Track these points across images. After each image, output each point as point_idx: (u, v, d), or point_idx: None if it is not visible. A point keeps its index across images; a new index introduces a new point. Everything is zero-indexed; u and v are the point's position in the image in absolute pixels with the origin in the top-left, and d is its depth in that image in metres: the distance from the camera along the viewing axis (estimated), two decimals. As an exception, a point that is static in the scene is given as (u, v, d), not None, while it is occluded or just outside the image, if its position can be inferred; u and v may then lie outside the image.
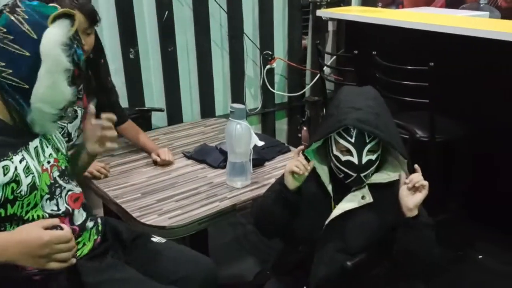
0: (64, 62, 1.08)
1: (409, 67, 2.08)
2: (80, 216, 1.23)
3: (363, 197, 1.29)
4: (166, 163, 1.80)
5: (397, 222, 1.29)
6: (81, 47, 1.14)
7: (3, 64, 1.06)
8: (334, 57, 3.04)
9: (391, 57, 2.18)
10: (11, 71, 1.06)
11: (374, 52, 2.24)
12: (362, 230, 1.30)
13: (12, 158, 1.08)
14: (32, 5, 1.09)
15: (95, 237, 1.28)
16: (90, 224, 1.26)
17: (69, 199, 1.21)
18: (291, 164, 1.29)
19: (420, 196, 1.23)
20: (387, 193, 1.30)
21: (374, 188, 1.30)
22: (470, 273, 2.23)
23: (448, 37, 2.23)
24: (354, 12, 2.79)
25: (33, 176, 1.11)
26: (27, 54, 1.06)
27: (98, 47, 1.72)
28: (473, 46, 2.23)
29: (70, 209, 1.20)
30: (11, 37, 1.06)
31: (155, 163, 1.81)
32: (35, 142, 1.17)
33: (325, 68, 2.85)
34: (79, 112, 1.69)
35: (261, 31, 2.92)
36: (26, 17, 1.06)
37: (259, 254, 2.38)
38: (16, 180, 1.08)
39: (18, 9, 1.07)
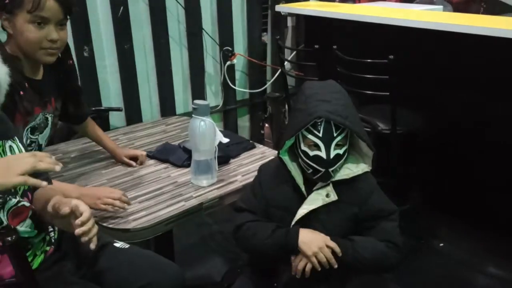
0: None
1: (369, 60, 2.10)
2: (24, 232, 1.12)
3: (327, 195, 1.28)
4: (142, 160, 1.75)
5: (361, 217, 1.30)
6: None
7: None
8: (295, 52, 3.04)
9: (351, 51, 2.19)
10: None
11: (334, 47, 2.25)
12: (328, 228, 1.29)
13: None
14: None
15: (47, 248, 1.19)
16: (36, 239, 1.16)
17: (10, 215, 1.08)
18: (320, 255, 1.24)
19: None
20: (350, 188, 1.30)
21: (338, 185, 1.29)
22: (432, 261, 2.29)
23: (406, 30, 2.27)
24: (313, 7, 2.79)
25: None
26: None
27: (66, 46, 1.50)
28: (430, 38, 2.27)
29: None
30: None
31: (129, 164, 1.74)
32: None
33: (286, 63, 2.84)
34: (50, 119, 1.53)
35: (220, 27, 2.88)
36: None
37: (226, 254, 2.34)
38: None
39: None
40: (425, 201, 2.39)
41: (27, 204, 1.12)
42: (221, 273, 2.06)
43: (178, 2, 2.63)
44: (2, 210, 1.05)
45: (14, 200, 1.09)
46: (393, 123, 2.20)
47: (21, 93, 1.34)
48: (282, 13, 2.97)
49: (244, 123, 3.21)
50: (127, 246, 1.31)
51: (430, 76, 2.40)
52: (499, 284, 2.11)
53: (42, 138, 1.52)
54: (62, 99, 1.60)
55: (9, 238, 0.87)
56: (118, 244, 1.30)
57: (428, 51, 2.38)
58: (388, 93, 2.12)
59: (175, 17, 2.68)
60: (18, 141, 1.16)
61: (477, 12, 3.18)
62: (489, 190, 2.29)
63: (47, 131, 1.53)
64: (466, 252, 2.29)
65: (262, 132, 3.32)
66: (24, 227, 1.11)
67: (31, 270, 0.95)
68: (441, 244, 2.39)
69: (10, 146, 1.13)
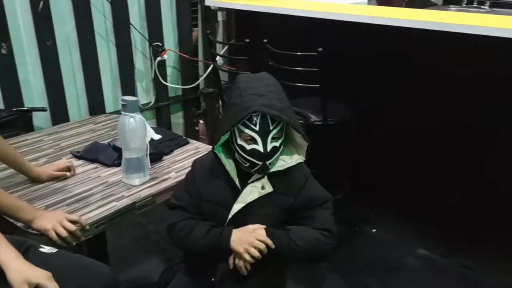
0: None
1: (299, 53, 2.13)
2: None
3: (263, 187, 1.29)
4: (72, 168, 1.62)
5: (296, 206, 1.32)
6: None
7: None
8: (227, 47, 3.03)
9: (282, 44, 2.21)
10: None
11: (265, 40, 2.26)
12: (264, 220, 1.30)
13: None
14: None
15: None
16: None
17: None
18: (251, 250, 1.25)
19: None
20: (285, 179, 1.32)
21: (273, 176, 1.30)
22: (366, 246, 2.38)
23: (334, 23, 2.32)
24: (242, 1, 2.79)
25: None
26: None
27: None
28: (357, 31, 2.34)
29: None
30: None
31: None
32: None
33: (218, 58, 2.83)
34: None
35: (148, 21, 2.81)
36: None
37: (162, 253, 2.31)
38: None
39: None
40: (356, 190, 2.47)
41: None
42: (158, 273, 2.01)
43: (103, -4, 2.55)
44: None
45: None
46: (324, 115, 2.25)
47: None
48: (212, 8, 2.95)
49: (177, 119, 3.16)
50: (54, 250, 1.24)
51: (358, 69, 2.48)
52: (427, 263, 2.24)
53: None
54: None
55: None
56: (44, 249, 1.23)
57: (356, 44, 2.46)
58: (318, 85, 2.17)
59: (101, 11, 2.58)
60: None
61: (400, 5, 3.33)
62: (413, 177, 2.41)
63: None
64: (397, 236, 2.41)
65: (196, 128, 3.29)
66: None
67: None
68: (374, 230, 2.49)
69: None
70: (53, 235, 1.23)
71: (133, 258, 2.29)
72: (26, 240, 1.22)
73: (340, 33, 2.43)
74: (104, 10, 2.59)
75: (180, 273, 1.44)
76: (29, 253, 1.20)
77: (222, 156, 1.29)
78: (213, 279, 1.36)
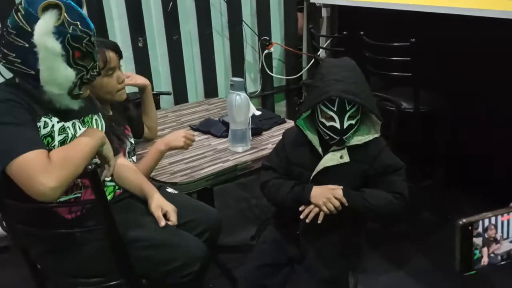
0: (55, 48, 1.20)
1: (393, 43, 2.28)
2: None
3: (341, 157, 1.49)
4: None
5: (370, 173, 1.50)
6: (81, 30, 1.24)
7: (13, 55, 1.23)
8: (330, 40, 3.24)
9: (377, 36, 2.37)
10: (19, 60, 1.23)
11: (361, 32, 2.44)
12: (341, 183, 1.50)
13: (51, 118, 1.30)
14: (28, 2, 1.21)
15: (117, 190, 1.52)
16: (110, 183, 1.51)
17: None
18: (329, 204, 1.46)
19: None
20: (361, 150, 1.50)
21: (351, 148, 1.50)
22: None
23: (427, 14, 2.41)
24: (345, -3, 2.98)
25: (65, 136, 1.32)
26: (26, 45, 1.20)
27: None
28: (451, 22, 2.41)
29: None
30: (15, 32, 1.21)
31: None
32: (70, 123, 1.36)
33: (320, 52, 3.05)
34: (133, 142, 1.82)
35: (258, 18, 3.12)
36: (23, 13, 1.20)
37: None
38: (51, 135, 1.29)
39: (20, 7, 1.23)
40: (448, 178, 2.52)
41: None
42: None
43: (221, -3, 2.92)
44: None
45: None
46: (416, 102, 2.37)
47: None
48: (316, 4, 3.18)
49: (280, 108, 3.45)
50: (176, 192, 1.60)
51: (450, 58, 2.53)
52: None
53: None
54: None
55: (90, 166, 1.17)
56: (169, 190, 1.60)
57: (449, 34, 2.52)
58: (410, 74, 2.30)
59: (218, 10, 2.95)
60: (101, 117, 1.48)
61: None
62: (509, 166, 2.41)
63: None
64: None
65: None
66: None
67: (105, 194, 1.25)
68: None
69: (96, 120, 1.45)
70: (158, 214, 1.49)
71: (236, 224, 2.63)
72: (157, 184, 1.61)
73: (433, 24, 2.50)
74: (221, 8, 2.96)
75: (270, 226, 1.70)
76: (160, 190, 1.56)
77: (304, 128, 1.52)
78: (297, 232, 1.60)
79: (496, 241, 0.83)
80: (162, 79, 2.86)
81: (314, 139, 1.52)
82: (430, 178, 2.51)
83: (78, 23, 1.24)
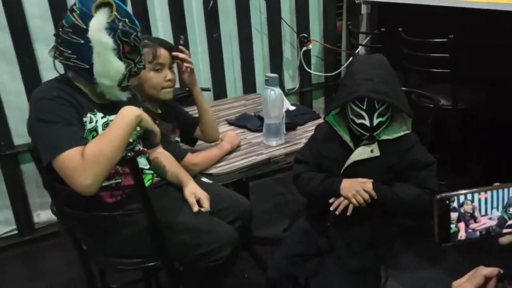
0: (108, 42, 1.32)
1: (431, 40, 2.27)
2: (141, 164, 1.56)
3: (372, 151, 1.51)
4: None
5: (401, 167, 1.51)
6: (129, 26, 1.36)
7: (69, 52, 1.36)
8: (369, 37, 3.23)
9: (415, 32, 2.36)
10: (75, 56, 1.35)
11: (400, 29, 2.44)
12: (371, 176, 1.52)
13: (96, 114, 1.41)
14: (82, 2, 1.34)
15: (154, 177, 1.61)
16: (147, 171, 1.60)
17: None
18: (358, 197, 1.48)
19: None
20: (393, 145, 1.51)
21: (382, 143, 1.51)
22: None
23: (466, 10, 2.38)
24: (385, -6, 2.97)
25: None
26: (82, 41, 1.33)
27: None
28: (490, 18, 2.37)
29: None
30: (71, 30, 1.34)
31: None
32: (113, 117, 1.45)
33: (359, 49, 3.06)
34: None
35: (297, 15, 3.16)
36: (78, 12, 1.34)
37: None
38: (96, 130, 1.40)
39: (74, 7, 1.36)
40: (486, 176, 2.48)
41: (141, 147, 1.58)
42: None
43: (260, -5, 2.98)
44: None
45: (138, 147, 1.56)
46: (454, 99, 2.34)
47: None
48: (356, 1, 3.19)
49: (319, 104, 3.48)
50: (210, 181, 1.68)
51: (489, 55, 2.48)
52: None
53: None
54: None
55: (129, 153, 1.26)
56: (203, 179, 1.68)
57: (487, 30, 2.47)
58: (449, 70, 2.28)
59: (257, 8, 3.02)
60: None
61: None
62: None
63: None
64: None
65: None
66: (142, 160, 1.57)
67: (143, 180, 1.35)
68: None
69: None
70: (192, 200, 1.56)
71: (271, 217, 2.69)
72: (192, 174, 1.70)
73: (471, 19, 2.46)
74: (260, 6, 3.03)
75: (302, 218, 1.75)
76: (195, 179, 1.64)
77: (334, 124, 1.55)
78: (328, 224, 1.64)
79: (473, 217, 0.88)
80: (202, 76, 2.95)
81: (344, 134, 1.56)
82: (467, 175, 2.48)
83: (126, 20, 1.37)
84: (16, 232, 2.67)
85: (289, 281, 1.68)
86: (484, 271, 0.89)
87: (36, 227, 2.71)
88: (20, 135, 2.54)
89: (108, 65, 1.35)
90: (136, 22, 1.41)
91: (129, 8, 1.45)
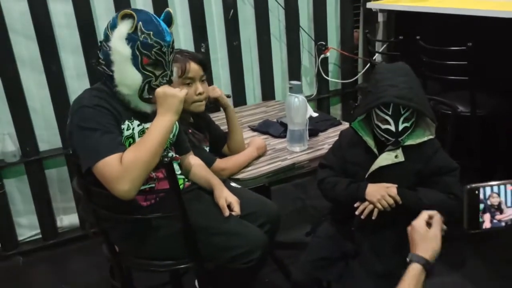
0: (125, 51, 1.39)
1: (450, 48, 2.30)
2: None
3: (396, 156, 1.54)
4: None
5: (425, 173, 1.54)
6: (150, 39, 1.39)
7: (102, 58, 1.44)
8: (386, 44, 3.27)
9: (433, 40, 2.40)
10: (104, 63, 1.43)
11: (417, 37, 2.48)
12: (396, 182, 1.55)
13: (133, 121, 1.47)
14: (115, 14, 1.44)
15: (186, 182, 1.67)
16: (179, 176, 1.65)
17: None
18: (383, 202, 1.51)
19: None
20: (416, 151, 1.54)
21: (406, 148, 1.55)
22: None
23: (485, 19, 2.41)
24: (401, 3, 3.01)
25: None
26: (108, 49, 1.42)
27: None
28: (508, 25, 2.39)
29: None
30: (104, 38, 1.44)
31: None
32: (149, 125, 1.50)
33: (375, 56, 3.10)
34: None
35: (315, 24, 3.21)
36: (110, 22, 1.43)
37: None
38: (132, 137, 1.46)
39: (111, 18, 1.45)
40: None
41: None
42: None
43: (279, 4, 3.03)
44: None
45: (171, 153, 1.61)
46: (473, 106, 2.37)
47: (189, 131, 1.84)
48: (373, 10, 3.23)
49: (336, 111, 3.51)
50: (239, 186, 1.73)
51: (507, 62, 2.51)
52: None
53: None
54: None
55: (166, 158, 1.31)
56: (233, 184, 1.73)
57: (506, 38, 2.50)
58: (467, 78, 2.31)
59: (276, 16, 3.07)
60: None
61: None
62: None
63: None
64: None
65: (353, 119, 3.58)
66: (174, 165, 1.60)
67: (178, 185, 1.40)
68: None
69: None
70: (223, 204, 1.60)
71: (292, 222, 2.72)
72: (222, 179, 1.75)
73: (489, 27, 2.49)
74: (279, 14, 3.08)
75: (326, 222, 1.78)
76: (225, 184, 1.69)
77: (359, 130, 1.59)
78: (352, 228, 1.66)
79: (499, 209, 0.94)
80: (222, 83, 3.01)
81: (369, 139, 1.59)
82: (484, 181, 2.49)
83: (151, 33, 1.40)
84: (40, 236, 2.74)
85: (314, 284, 1.72)
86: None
87: (59, 231, 2.78)
88: (45, 141, 2.62)
89: (125, 74, 1.41)
90: (167, 38, 1.44)
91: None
